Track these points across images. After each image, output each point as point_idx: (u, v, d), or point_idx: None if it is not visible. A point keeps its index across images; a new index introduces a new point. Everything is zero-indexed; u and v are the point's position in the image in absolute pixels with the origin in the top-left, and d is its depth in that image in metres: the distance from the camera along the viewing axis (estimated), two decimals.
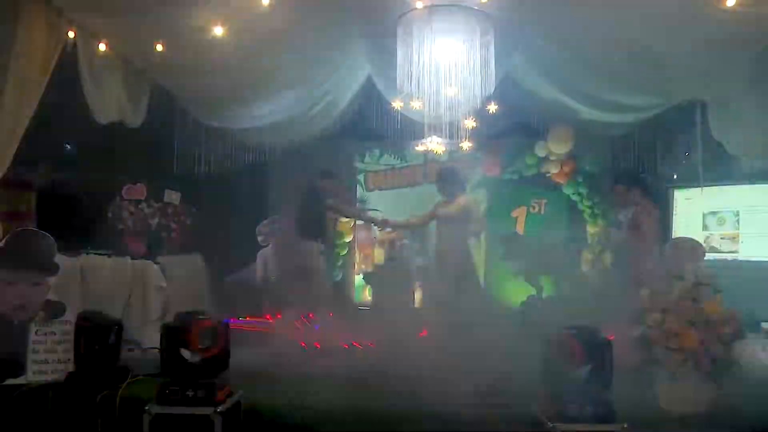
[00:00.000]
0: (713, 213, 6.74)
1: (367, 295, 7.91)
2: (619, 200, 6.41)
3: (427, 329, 4.99)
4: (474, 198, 6.60)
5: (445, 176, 6.03)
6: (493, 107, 4.84)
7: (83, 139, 5.93)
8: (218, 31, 4.44)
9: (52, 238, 4.37)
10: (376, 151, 8.36)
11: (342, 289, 8.20)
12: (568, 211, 7.85)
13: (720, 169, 6.68)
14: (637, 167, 7.37)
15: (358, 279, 8.26)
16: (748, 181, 6.67)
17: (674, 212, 7.02)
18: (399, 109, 4.75)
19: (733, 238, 6.60)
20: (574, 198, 7.79)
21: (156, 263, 5.59)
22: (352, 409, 3.34)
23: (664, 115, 6.82)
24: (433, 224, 6.11)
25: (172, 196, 6.61)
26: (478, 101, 4.40)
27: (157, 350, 3.27)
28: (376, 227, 7.86)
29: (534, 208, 7.93)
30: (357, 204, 8.11)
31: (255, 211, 7.51)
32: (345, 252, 8.35)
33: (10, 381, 3.81)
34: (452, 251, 5.69)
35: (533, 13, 4.57)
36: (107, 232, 5.76)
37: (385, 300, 6.21)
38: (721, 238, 6.67)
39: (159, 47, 4.71)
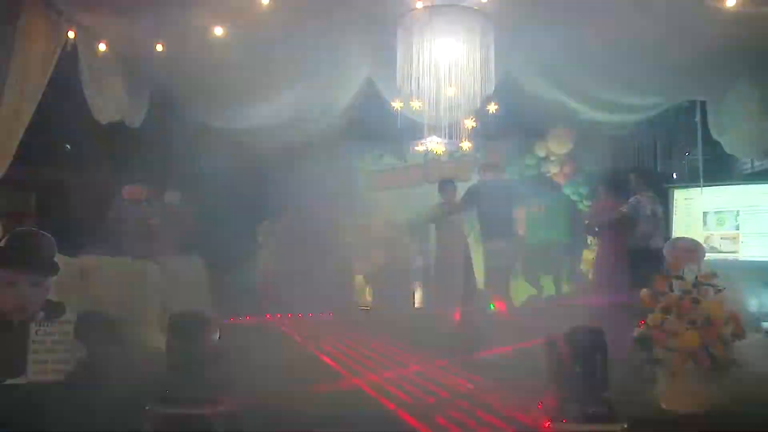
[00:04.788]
0: (713, 213, 6.73)
1: (367, 295, 7.90)
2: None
3: None
4: None
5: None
6: (493, 107, 4.83)
7: (83, 139, 5.93)
8: (218, 31, 4.45)
9: (52, 238, 4.36)
10: (377, 151, 8.35)
11: None
12: (568, 211, 7.85)
13: (720, 168, 6.69)
14: (636, 167, 7.36)
15: (359, 279, 8.24)
16: (748, 181, 6.66)
17: (674, 212, 7.00)
18: (399, 109, 4.75)
19: (733, 238, 6.59)
20: (574, 198, 7.78)
21: (156, 263, 5.58)
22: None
23: (664, 115, 6.83)
24: None
25: (172, 196, 6.61)
26: (478, 101, 4.40)
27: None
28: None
29: (534, 208, 7.92)
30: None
31: (255, 211, 7.50)
32: None
33: (10, 381, 3.80)
34: None
35: (533, 13, 4.57)
36: (107, 232, 5.75)
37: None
38: (721, 238, 6.65)
39: (159, 47, 4.71)
